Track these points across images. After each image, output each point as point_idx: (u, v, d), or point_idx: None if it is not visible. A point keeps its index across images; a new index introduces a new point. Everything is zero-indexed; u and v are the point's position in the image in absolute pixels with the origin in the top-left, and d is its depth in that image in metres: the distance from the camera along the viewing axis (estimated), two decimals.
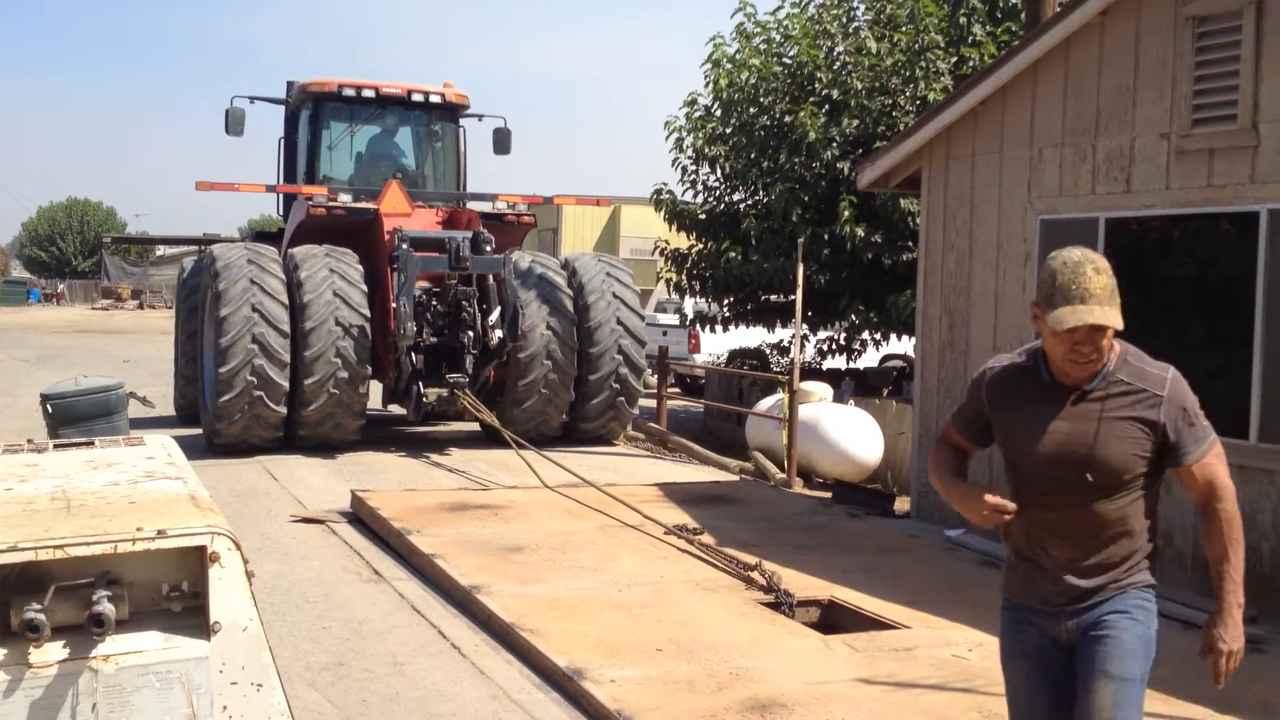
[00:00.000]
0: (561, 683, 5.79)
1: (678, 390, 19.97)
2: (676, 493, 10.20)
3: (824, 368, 17.56)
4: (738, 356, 18.56)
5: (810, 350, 17.64)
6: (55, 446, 3.68)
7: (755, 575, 7.37)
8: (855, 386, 15.80)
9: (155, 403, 12.85)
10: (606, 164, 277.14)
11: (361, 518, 9.42)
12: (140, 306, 56.27)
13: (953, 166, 9.71)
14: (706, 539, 8.37)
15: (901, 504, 10.71)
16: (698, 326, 18.32)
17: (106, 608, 2.46)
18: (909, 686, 5.72)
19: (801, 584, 7.40)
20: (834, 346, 17.40)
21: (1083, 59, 8.46)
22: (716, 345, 20.15)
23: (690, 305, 19.08)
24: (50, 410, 10.59)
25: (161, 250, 61.65)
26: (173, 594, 2.64)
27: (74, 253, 69.72)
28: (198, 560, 2.62)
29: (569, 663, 5.88)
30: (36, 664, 2.46)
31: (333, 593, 7.63)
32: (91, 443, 3.79)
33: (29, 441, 3.81)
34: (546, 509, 9.51)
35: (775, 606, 7.02)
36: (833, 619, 7.10)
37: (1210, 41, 7.62)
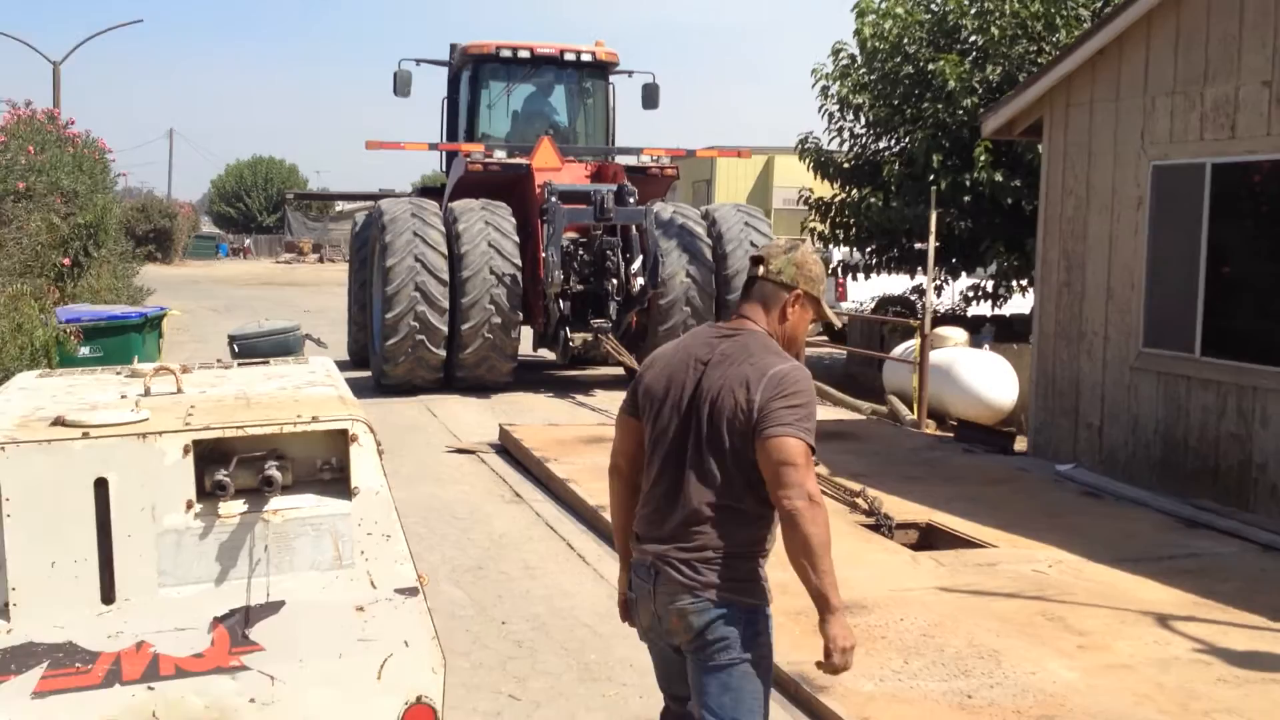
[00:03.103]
0: None
1: (825, 337, 20.42)
2: None
3: (968, 314, 17.77)
4: (884, 304, 18.90)
5: (954, 296, 17.87)
6: (239, 365, 4.56)
7: (859, 500, 7.96)
8: (998, 332, 15.99)
9: (328, 344, 14.02)
10: (757, 114, 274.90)
11: (508, 449, 10.33)
12: (320, 260, 58.84)
13: (1072, 114, 9.99)
14: (820, 470, 8.96)
15: (1021, 443, 11.08)
16: (842, 274, 18.71)
17: (275, 473, 3.28)
18: (984, 594, 6.28)
19: (904, 509, 7.97)
20: (980, 293, 17.58)
21: (1193, 9, 8.67)
22: (862, 292, 20.52)
23: (837, 254, 19.43)
24: (236, 349, 11.82)
25: (340, 206, 64.01)
26: (324, 467, 3.45)
27: (259, 209, 73.05)
28: (342, 441, 3.42)
29: None
30: (224, 515, 3.30)
31: (477, 510, 8.54)
32: (266, 362, 4.68)
33: (218, 361, 4.73)
34: None
35: (875, 528, 7.61)
36: (930, 541, 7.65)
37: None
